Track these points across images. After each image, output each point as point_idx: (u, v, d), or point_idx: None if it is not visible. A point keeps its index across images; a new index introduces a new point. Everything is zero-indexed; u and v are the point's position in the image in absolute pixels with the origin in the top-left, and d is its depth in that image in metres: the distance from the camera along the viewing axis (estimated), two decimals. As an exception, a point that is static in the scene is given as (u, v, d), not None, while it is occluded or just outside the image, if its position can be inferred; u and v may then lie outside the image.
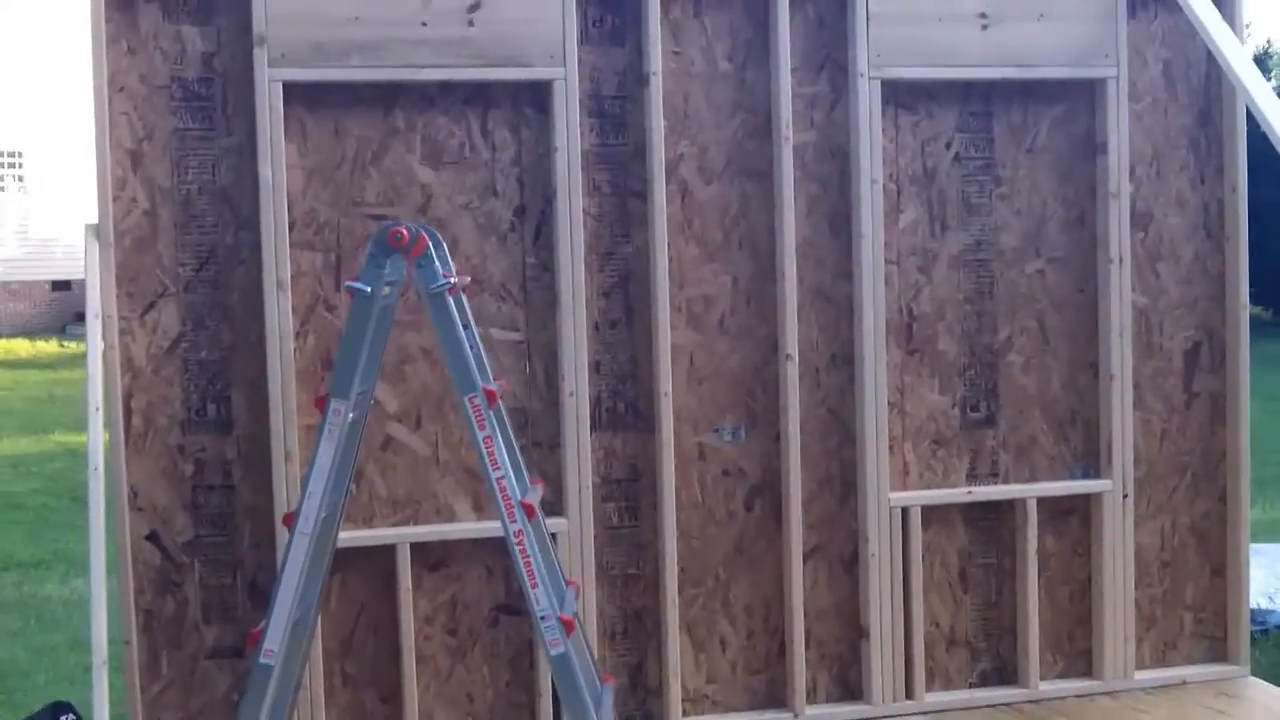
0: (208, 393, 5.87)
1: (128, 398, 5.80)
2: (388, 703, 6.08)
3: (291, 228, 5.84)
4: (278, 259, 5.78)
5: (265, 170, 5.75)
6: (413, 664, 6.01)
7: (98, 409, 5.53)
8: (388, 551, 5.98)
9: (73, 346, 31.67)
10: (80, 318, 35.93)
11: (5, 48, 35.77)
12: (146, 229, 5.80)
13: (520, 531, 5.02)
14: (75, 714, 6.29)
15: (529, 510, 5.06)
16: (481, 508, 6.07)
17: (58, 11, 36.29)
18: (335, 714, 6.03)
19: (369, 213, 5.95)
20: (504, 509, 5.03)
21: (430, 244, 5.04)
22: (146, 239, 5.80)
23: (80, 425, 18.65)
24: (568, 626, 5.05)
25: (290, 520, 5.11)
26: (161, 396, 5.84)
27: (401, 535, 5.99)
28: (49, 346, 32.12)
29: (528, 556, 5.02)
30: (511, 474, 5.05)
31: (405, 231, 5.01)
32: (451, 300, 5.05)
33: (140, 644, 5.85)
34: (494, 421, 5.05)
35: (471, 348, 5.09)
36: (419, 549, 6.02)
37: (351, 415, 5.07)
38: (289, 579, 5.05)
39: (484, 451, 5.02)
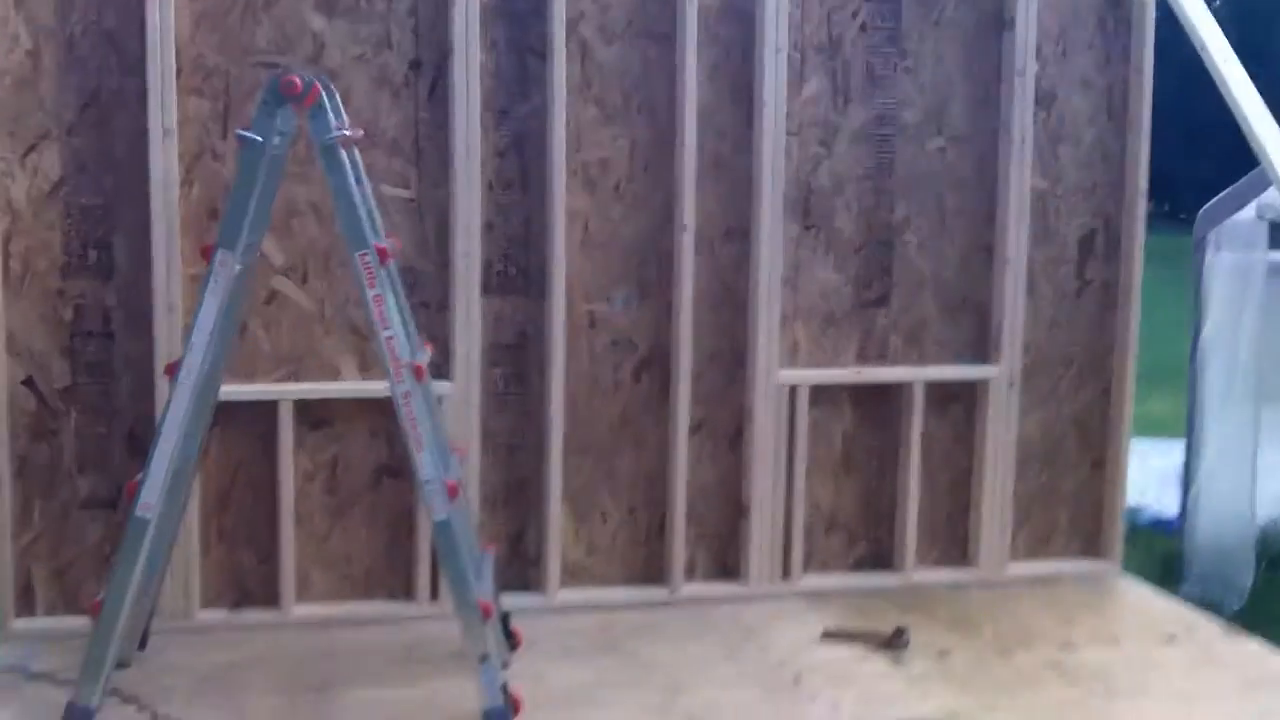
0: (89, 238, 5.69)
1: (6, 240, 5.62)
2: (264, 562, 5.98)
3: (179, 74, 5.63)
4: (164, 105, 5.59)
5: (153, 13, 5.54)
6: (290, 523, 5.92)
7: (-24, 251, 5.35)
8: (269, 408, 5.86)
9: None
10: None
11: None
12: (28, 69, 5.58)
13: (408, 394, 4.93)
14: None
15: (418, 372, 4.95)
16: (367, 368, 5.96)
17: None
18: (210, 571, 5.94)
19: (259, 60, 5.76)
20: (392, 370, 4.93)
21: (324, 94, 4.90)
22: (28, 79, 5.58)
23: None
24: (452, 492, 4.97)
25: (172, 371, 4.98)
26: (41, 241, 5.65)
27: (284, 392, 5.87)
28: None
29: (415, 419, 4.93)
30: (401, 334, 4.94)
31: (299, 81, 4.86)
32: (345, 153, 4.92)
33: (13, 489, 5.71)
34: (385, 280, 4.93)
35: (364, 204, 4.97)
36: (301, 407, 5.91)
37: (238, 267, 4.94)
38: (169, 431, 4.93)
39: (374, 310, 4.91)
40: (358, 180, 4.98)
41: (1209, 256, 9.23)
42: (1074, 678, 5.61)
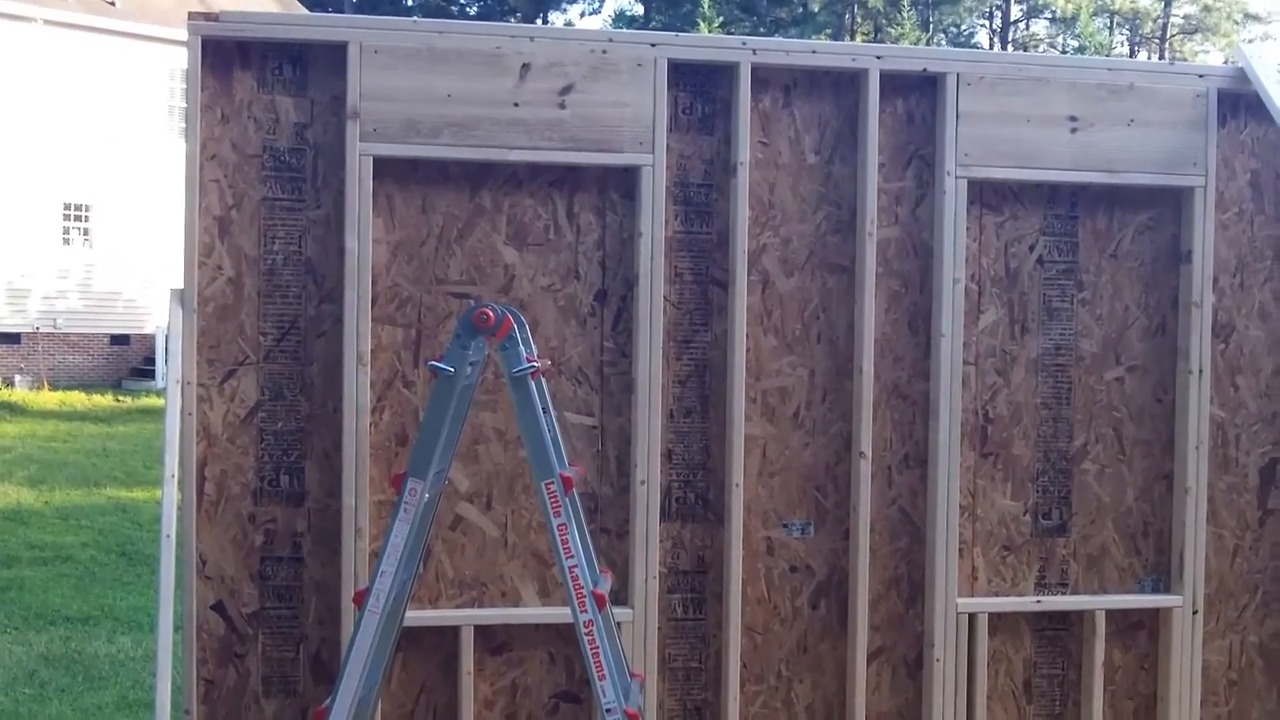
0: (281, 463, 5.86)
1: (202, 465, 5.79)
2: (444, 785, 6.02)
3: (374, 302, 5.84)
4: (359, 333, 5.77)
5: (351, 243, 5.76)
6: (471, 749, 5.96)
7: (173, 476, 5.52)
8: (451, 633, 5.94)
9: (128, 400, 31.91)
10: (137, 373, 36.33)
11: (77, 103, 36.18)
12: (230, 296, 5.81)
13: (590, 622, 4.98)
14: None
15: (600, 600, 5.01)
16: (548, 593, 6.03)
17: (127, 69, 36.75)
18: (391, 794, 5.98)
19: (452, 290, 5.95)
20: (575, 598, 4.99)
21: (515, 326, 5.03)
22: (230, 306, 5.81)
23: (132, 480, 18.81)
24: (633, 721, 5.00)
25: (361, 598, 5.08)
26: (236, 465, 5.83)
27: (466, 617, 5.95)
28: (104, 400, 32.30)
29: (597, 647, 4.98)
30: (584, 562, 5.01)
31: (491, 313, 5.00)
32: (534, 384, 5.04)
33: (199, 714, 5.81)
34: (569, 509, 5.02)
35: (549, 433, 5.07)
36: (483, 632, 5.98)
37: (427, 496, 5.05)
38: (356, 658, 5.01)
39: (558, 539, 4.99)
40: (545, 409, 5.09)
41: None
42: None
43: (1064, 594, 6.52)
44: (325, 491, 5.87)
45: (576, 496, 5.16)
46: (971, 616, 6.36)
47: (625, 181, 6.05)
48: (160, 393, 34.16)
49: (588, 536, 5.23)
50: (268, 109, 5.83)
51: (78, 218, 37.13)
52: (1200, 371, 6.48)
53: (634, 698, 5.18)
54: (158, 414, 29.65)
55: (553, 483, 4.99)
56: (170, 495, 5.51)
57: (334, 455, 5.83)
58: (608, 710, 4.98)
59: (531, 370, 5.03)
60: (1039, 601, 6.47)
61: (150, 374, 36.53)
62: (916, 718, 6.37)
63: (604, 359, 6.08)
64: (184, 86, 38.86)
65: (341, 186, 5.80)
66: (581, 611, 4.98)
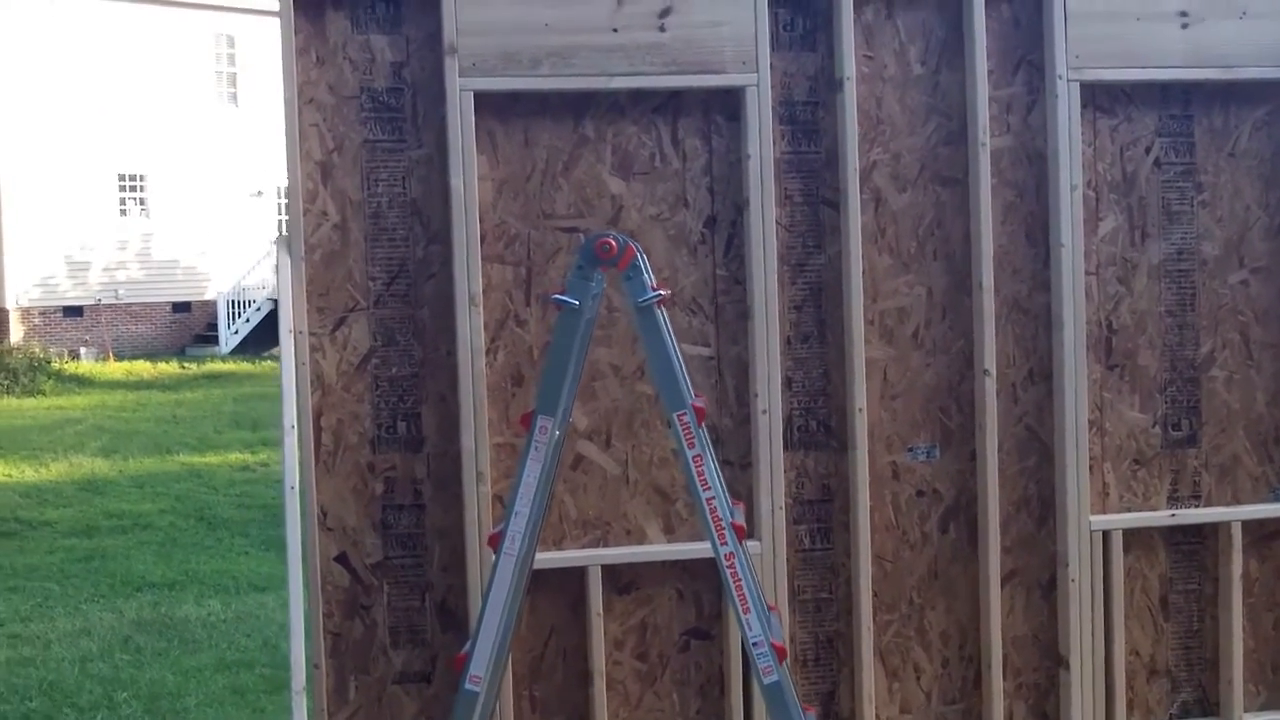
0: (398, 410, 5.74)
1: (318, 415, 5.68)
2: (576, 730, 5.92)
3: (482, 241, 5.70)
4: (469, 273, 5.64)
5: (457, 182, 5.62)
6: (603, 689, 5.84)
7: (293, 426, 5.40)
8: (578, 574, 5.82)
9: (193, 367, 32.07)
10: (200, 339, 36.50)
11: (131, 74, 36.27)
12: (337, 242, 5.68)
13: (731, 554, 4.85)
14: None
15: (740, 532, 4.88)
16: (672, 529, 5.91)
17: (173, 38, 36.79)
18: (524, 741, 5.88)
19: (559, 225, 5.81)
20: (714, 531, 4.86)
21: (638, 255, 4.89)
22: (337, 253, 5.68)
23: (205, 446, 18.93)
24: (780, 653, 4.87)
25: (495, 541, 4.96)
26: (351, 414, 5.71)
27: (592, 557, 5.83)
28: (170, 368, 32.50)
29: (739, 580, 4.86)
30: (722, 494, 4.88)
31: (614, 242, 4.87)
32: (660, 313, 4.90)
33: (328, 668, 5.72)
34: (703, 440, 4.88)
35: (679, 363, 4.93)
36: (609, 571, 5.86)
37: (558, 433, 4.92)
38: (495, 601, 4.90)
39: (694, 471, 4.86)
40: (672, 339, 4.95)
41: None
42: None
43: (1197, 506, 6.35)
44: (443, 436, 5.74)
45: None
46: (1105, 534, 6.19)
47: (729, 103, 5.88)
48: (225, 358, 34.35)
49: (719, 468, 5.10)
50: (363, 49, 5.68)
51: (133, 188, 37.27)
52: (1327, 270, 6.29)
53: (776, 630, 5.05)
54: (224, 379, 29.86)
55: (685, 414, 4.86)
56: (291, 447, 5.39)
57: (450, 399, 5.70)
58: (754, 644, 4.85)
59: (658, 299, 4.89)
60: (1173, 515, 6.30)
61: (214, 340, 36.73)
62: (1053, 640, 6.22)
63: (717, 287, 5.92)
64: (230, 51, 39.09)
65: (442, 125, 5.65)
66: (722, 544, 4.85)
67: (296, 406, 5.55)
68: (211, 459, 19.25)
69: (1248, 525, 6.34)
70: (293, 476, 5.37)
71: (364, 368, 5.71)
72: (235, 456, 19.43)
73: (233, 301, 37.12)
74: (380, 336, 5.72)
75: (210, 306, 37.74)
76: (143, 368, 32.36)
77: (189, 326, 37.89)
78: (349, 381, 5.71)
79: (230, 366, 32.98)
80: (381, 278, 5.71)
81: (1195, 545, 6.36)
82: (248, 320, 37.17)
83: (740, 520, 4.98)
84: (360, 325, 5.70)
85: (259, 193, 39.15)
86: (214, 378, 30.45)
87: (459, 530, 5.71)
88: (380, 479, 5.74)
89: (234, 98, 39.63)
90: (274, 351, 33.71)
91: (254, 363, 33.65)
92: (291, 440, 5.40)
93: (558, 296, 4.95)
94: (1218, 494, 6.37)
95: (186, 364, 33.05)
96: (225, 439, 21.17)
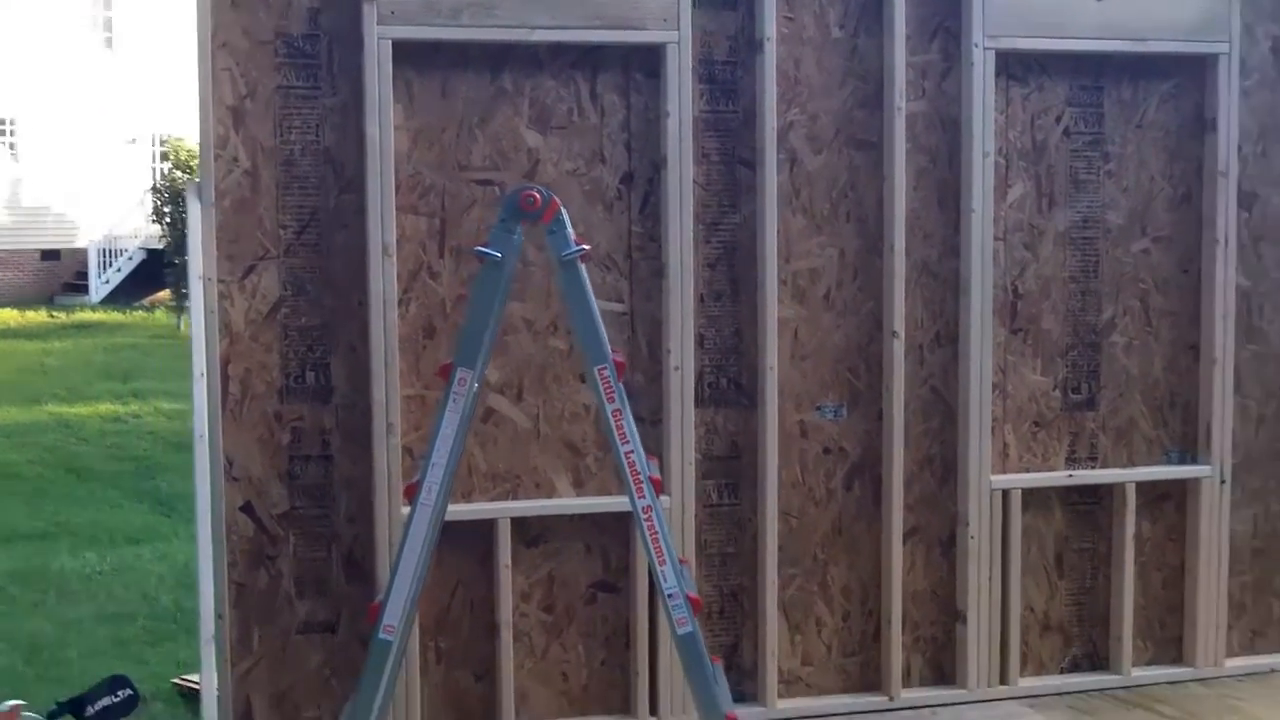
0: (307, 360, 5.69)
1: (225, 363, 5.61)
2: (481, 680, 5.92)
3: (396, 191, 5.65)
4: (384, 223, 5.59)
5: (372, 130, 5.56)
6: (510, 641, 5.86)
7: (202, 375, 5.34)
8: (487, 526, 5.81)
9: (62, 316, 31.48)
10: (70, 288, 35.82)
11: (0, 15, 35.51)
12: (248, 189, 5.60)
13: (649, 508, 4.88)
14: (131, 688, 6.03)
15: (657, 485, 4.91)
16: (581, 483, 5.92)
17: (51, -23, 36.04)
18: (429, 691, 5.86)
19: (475, 177, 5.78)
20: (632, 485, 4.88)
21: (561, 209, 4.88)
22: (248, 200, 5.61)
23: (74, 396, 18.51)
24: (695, 605, 4.91)
25: (411, 492, 4.94)
26: (259, 363, 5.65)
27: (501, 510, 5.83)
28: (38, 316, 31.85)
29: (656, 533, 4.88)
30: (640, 449, 4.90)
31: (538, 196, 4.86)
32: (582, 268, 4.89)
33: (232, 618, 5.67)
34: (622, 394, 4.89)
35: (599, 317, 4.93)
36: (518, 524, 5.86)
37: (476, 385, 4.91)
38: (410, 552, 4.89)
39: (613, 425, 4.87)
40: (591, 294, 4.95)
41: None
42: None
43: (1094, 468, 6.47)
44: (352, 387, 5.70)
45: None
46: (1005, 493, 6.31)
47: (649, 60, 5.87)
48: (95, 308, 33.78)
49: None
50: (279, -8, 5.61)
51: (1, 132, 36.49)
52: (1225, 241, 6.41)
53: (689, 583, 5.08)
54: (94, 329, 29.33)
55: (605, 368, 4.86)
56: (201, 394, 5.33)
57: (360, 349, 5.66)
58: (669, 595, 4.88)
59: (581, 254, 4.88)
60: (1070, 476, 6.42)
61: (84, 289, 36.05)
62: (950, 595, 6.33)
63: (633, 244, 5.93)
64: (105, -3, 38.35)
65: (358, 73, 5.59)
66: (640, 497, 4.87)
67: (205, 355, 5.49)
68: (81, 410, 18.90)
69: (1141, 487, 6.47)
70: (202, 425, 5.31)
71: (273, 317, 5.65)
72: (105, 407, 19.09)
73: (104, 250, 36.47)
74: (290, 285, 5.66)
75: (81, 254, 37.00)
76: (9, 315, 31.69)
77: (58, 274, 37.16)
78: (257, 330, 5.64)
79: (100, 316, 32.38)
80: (293, 226, 5.64)
81: (1091, 505, 6.49)
82: (119, 270, 36.49)
83: (657, 474, 5.00)
84: (270, 274, 5.63)
85: (133, 140, 38.47)
86: (84, 327, 29.90)
87: (367, 481, 5.68)
88: (288, 429, 5.69)
89: (109, 42, 38.91)
90: (145, 301, 33.30)
91: (125, 312, 33.07)
92: (201, 388, 5.33)
93: (480, 249, 4.93)
94: (1114, 456, 6.49)
95: (55, 313, 32.42)
96: (95, 389, 20.78)
